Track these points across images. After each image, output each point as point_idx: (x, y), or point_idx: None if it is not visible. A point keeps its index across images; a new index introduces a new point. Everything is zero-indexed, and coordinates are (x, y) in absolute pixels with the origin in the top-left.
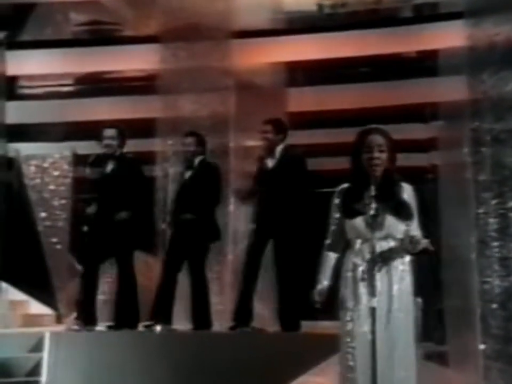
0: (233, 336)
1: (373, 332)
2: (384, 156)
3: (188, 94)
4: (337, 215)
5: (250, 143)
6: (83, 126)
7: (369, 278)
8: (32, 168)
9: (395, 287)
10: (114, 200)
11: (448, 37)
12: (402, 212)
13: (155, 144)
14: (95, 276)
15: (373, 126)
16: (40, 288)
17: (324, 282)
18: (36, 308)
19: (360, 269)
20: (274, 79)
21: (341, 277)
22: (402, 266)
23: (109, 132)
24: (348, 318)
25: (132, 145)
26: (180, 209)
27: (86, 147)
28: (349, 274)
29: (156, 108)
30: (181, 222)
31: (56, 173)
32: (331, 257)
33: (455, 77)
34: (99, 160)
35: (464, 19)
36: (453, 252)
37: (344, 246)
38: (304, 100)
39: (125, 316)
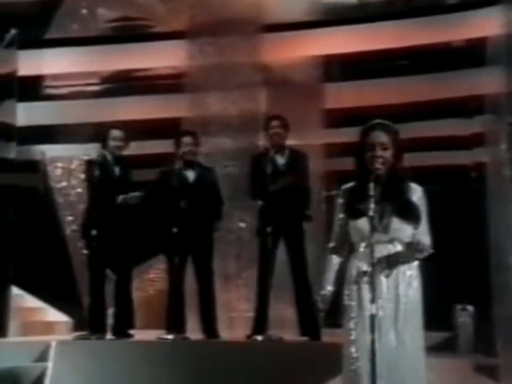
0: (249, 345)
1: (373, 341)
2: (388, 154)
3: (215, 92)
4: (341, 216)
5: (290, 142)
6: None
7: (372, 284)
8: (58, 171)
9: (402, 294)
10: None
11: (492, 24)
12: (408, 214)
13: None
14: (104, 282)
15: (377, 121)
16: (61, 295)
17: (328, 287)
18: (54, 315)
19: (362, 274)
20: (309, 74)
21: (345, 282)
22: (410, 271)
23: (117, 133)
24: (352, 326)
25: (158, 146)
26: (187, 213)
27: None
28: (352, 279)
29: (183, 106)
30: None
31: (83, 175)
32: (335, 261)
33: (501, 67)
34: (104, 162)
35: (502, 4)
36: (502, 255)
37: (348, 249)
38: (341, 95)
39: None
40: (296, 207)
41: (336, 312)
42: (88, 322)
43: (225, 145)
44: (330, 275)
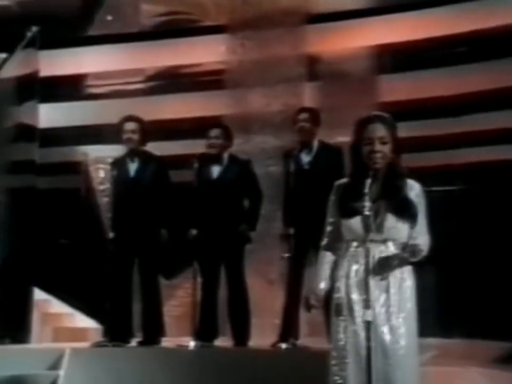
0: (271, 353)
1: (369, 347)
2: (387, 148)
3: (257, 87)
4: (333, 214)
5: (339, 139)
6: (153, 126)
7: (364, 287)
8: (101, 172)
9: (393, 298)
10: (144, 205)
11: None
12: (404, 211)
13: None
14: (128, 286)
15: (374, 113)
16: (93, 300)
17: (321, 286)
18: (83, 321)
19: (353, 275)
20: (360, 66)
21: (335, 283)
22: (401, 274)
23: (129, 125)
24: (341, 330)
25: (198, 146)
26: (213, 212)
27: (159, 148)
28: (343, 280)
29: (224, 103)
30: (218, 228)
31: None
32: (328, 258)
33: None
34: (121, 162)
35: None
36: None
37: (341, 247)
38: (395, 88)
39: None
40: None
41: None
42: (108, 329)
43: (267, 144)
44: (324, 272)
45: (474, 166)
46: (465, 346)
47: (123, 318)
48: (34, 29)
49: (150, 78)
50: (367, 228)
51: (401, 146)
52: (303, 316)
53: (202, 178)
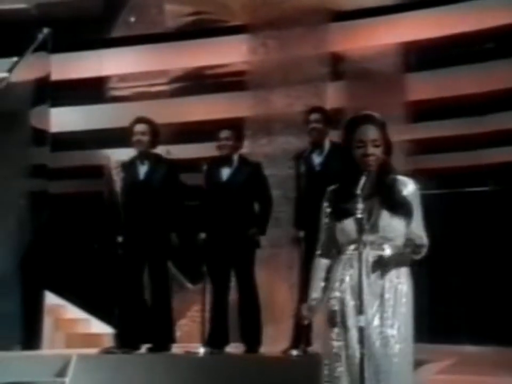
0: (281, 359)
1: (362, 354)
2: (379, 151)
3: (279, 88)
4: (326, 219)
5: None
6: (177, 128)
7: (358, 292)
8: None
9: (387, 303)
10: (153, 209)
11: None
12: (397, 207)
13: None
14: (138, 292)
15: (364, 113)
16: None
17: (314, 295)
18: (99, 327)
19: (348, 280)
20: (387, 65)
21: (329, 289)
22: (397, 279)
23: (139, 127)
24: (335, 337)
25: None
26: (222, 215)
27: (183, 151)
28: (337, 285)
29: (246, 105)
30: (227, 231)
31: None
32: (323, 265)
33: None
34: (131, 164)
35: None
36: None
37: (337, 253)
38: (423, 86)
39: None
40: None
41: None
42: (117, 335)
43: (290, 144)
44: (317, 282)
45: (504, 166)
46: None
47: (133, 324)
48: (46, 30)
49: (173, 80)
50: (361, 229)
51: (391, 146)
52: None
53: (212, 181)
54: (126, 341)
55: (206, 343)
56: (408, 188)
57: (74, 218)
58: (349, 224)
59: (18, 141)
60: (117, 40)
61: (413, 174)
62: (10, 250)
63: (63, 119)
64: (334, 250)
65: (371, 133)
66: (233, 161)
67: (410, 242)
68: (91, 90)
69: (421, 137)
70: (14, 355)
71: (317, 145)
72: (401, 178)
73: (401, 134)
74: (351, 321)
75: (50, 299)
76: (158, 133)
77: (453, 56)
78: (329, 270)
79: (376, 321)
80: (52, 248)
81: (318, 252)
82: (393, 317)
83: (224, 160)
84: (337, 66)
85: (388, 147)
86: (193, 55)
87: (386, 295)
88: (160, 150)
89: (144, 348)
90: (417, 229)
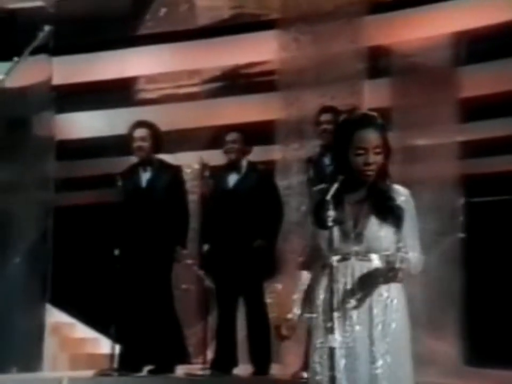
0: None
1: (332, 378)
2: (380, 158)
3: (312, 87)
4: (310, 226)
5: (418, 141)
6: (207, 132)
7: (330, 310)
8: None
9: (376, 320)
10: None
11: None
12: (388, 213)
13: (275, 151)
14: (139, 309)
15: (365, 113)
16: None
17: (294, 310)
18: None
19: (331, 295)
20: (436, 58)
21: (312, 305)
22: (387, 292)
23: (139, 132)
24: (317, 359)
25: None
26: (227, 225)
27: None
28: (319, 303)
29: (277, 106)
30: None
31: None
32: (304, 278)
33: None
34: (132, 170)
35: None
36: None
37: (320, 264)
38: (478, 80)
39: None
40: None
41: None
42: (119, 356)
43: None
44: (298, 295)
45: None
46: None
47: (135, 344)
48: (47, 28)
49: (203, 81)
50: (347, 238)
51: (391, 152)
52: None
53: (217, 188)
54: (126, 361)
55: (212, 365)
56: (402, 197)
57: (92, 229)
58: (333, 233)
59: (23, 149)
60: (142, 38)
61: (467, 179)
62: (14, 265)
63: (86, 124)
64: (319, 259)
65: (373, 138)
66: (241, 167)
67: (390, 258)
68: (116, 93)
69: (476, 138)
70: (7, 378)
71: (328, 148)
72: (395, 186)
73: (453, 134)
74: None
75: (56, 317)
76: (160, 137)
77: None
78: (313, 282)
79: (364, 341)
80: (58, 262)
81: (301, 261)
82: (384, 336)
83: (231, 166)
84: (378, 62)
85: (387, 152)
86: (220, 53)
87: (375, 311)
88: (193, 157)
89: (146, 370)
90: (409, 239)
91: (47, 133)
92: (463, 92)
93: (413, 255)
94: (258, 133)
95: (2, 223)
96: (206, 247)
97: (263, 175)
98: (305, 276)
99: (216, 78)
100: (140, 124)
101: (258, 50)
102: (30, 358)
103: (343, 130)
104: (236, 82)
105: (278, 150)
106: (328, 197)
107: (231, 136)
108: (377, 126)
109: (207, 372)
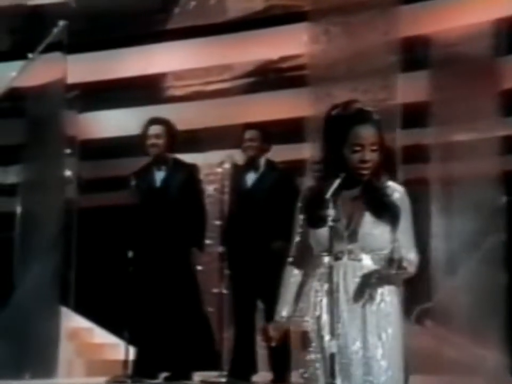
0: None
1: None
2: (376, 155)
3: (343, 81)
4: (300, 223)
5: (458, 137)
6: (237, 130)
7: (332, 312)
8: None
9: (370, 324)
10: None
11: None
12: (383, 211)
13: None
14: (155, 313)
15: (360, 107)
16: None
17: (283, 312)
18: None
19: (323, 297)
20: (477, 48)
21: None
22: (381, 295)
23: (153, 129)
24: (308, 363)
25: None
26: (244, 226)
27: None
28: (312, 302)
29: (307, 102)
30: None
31: (211, 187)
32: (295, 277)
33: None
34: (145, 169)
35: None
36: None
37: (311, 263)
38: None
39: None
40: None
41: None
42: (133, 362)
43: None
44: (287, 295)
45: None
46: None
47: (151, 350)
48: (61, 23)
49: (233, 77)
50: (340, 237)
51: (386, 148)
52: None
53: (235, 187)
54: (141, 368)
55: (231, 372)
56: (396, 194)
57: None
58: (323, 232)
59: (44, 149)
60: (169, 32)
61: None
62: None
63: (112, 123)
64: (308, 259)
65: (370, 135)
66: (260, 166)
67: (394, 262)
68: (142, 91)
69: None
70: None
71: None
72: (391, 184)
73: (494, 129)
74: (327, 345)
75: (74, 321)
76: (175, 135)
77: None
78: (303, 283)
79: (357, 347)
80: (78, 265)
81: (290, 260)
82: (378, 340)
83: (249, 164)
84: (414, 54)
85: (383, 149)
86: (251, 47)
87: (368, 314)
88: (222, 156)
89: (161, 377)
90: (404, 239)
91: (68, 133)
92: (506, 83)
93: (410, 255)
94: (288, 131)
95: (24, 225)
96: (220, 249)
97: (283, 174)
98: (294, 273)
99: (247, 73)
100: (154, 121)
101: (289, 43)
102: (44, 363)
103: (337, 125)
104: (266, 77)
105: (307, 149)
106: (328, 195)
107: (249, 134)
108: (374, 122)
109: (225, 379)
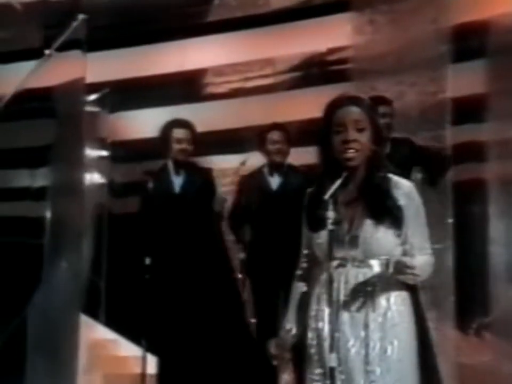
0: None
1: None
2: (364, 137)
3: (389, 73)
4: (305, 231)
5: None
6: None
7: (332, 323)
8: None
9: (373, 336)
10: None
11: None
12: (385, 215)
13: None
14: (182, 325)
15: (346, 94)
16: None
17: (287, 327)
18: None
19: (325, 307)
20: None
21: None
22: (387, 303)
23: (181, 133)
24: (315, 378)
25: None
26: (267, 232)
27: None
28: (313, 313)
29: None
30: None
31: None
32: (299, 290)
33: None
34: (162, 174)
35: None
36: None
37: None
38: None
39: None
40: None
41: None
42: (157, 376)
43: None
44: (291, 310)
45: None
46: None
47: (175, 363)
48: (81, 17)
49: (277, 72)
50: (340, 242)
51: (382, 134)
52: None
53: (257, 191)
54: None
55: None
56: (403, 190)
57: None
58: (322, 236)
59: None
60: (207, 26)
61: None
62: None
63: (148, 123)
64: (317, 269)
65: (352, 113)
66: (283, 169)
67: (390, 264)
68: (179, 88)
69: None
70: None
71: None
72: (395, 179)
73: None
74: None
75: (104, 333)
76: (197, 139)
77: None
78: (307, 294)
79: (359, 361)
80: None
81: (297, 272)
82: (382, 354)
83: (272, 167)
84: (467, 43)
85: (377, 135)
86: (293, 40)
87: (372, 325)
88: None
89: None
90: (416, 239)
91: (99, 134)
92: None
93: (421, 258)
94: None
95: (53, 230)
96: (241, 256)
97: (303, 180)
98: (299, 286)
99: (291, 68)
100: (180, 124)
101: (333, 35)
102: (61, 375)
103: (325, 113)
104: (310, 72)
105: None
106: (327, 196)
107: (274, 135)
108: (359, 104)
109: None
